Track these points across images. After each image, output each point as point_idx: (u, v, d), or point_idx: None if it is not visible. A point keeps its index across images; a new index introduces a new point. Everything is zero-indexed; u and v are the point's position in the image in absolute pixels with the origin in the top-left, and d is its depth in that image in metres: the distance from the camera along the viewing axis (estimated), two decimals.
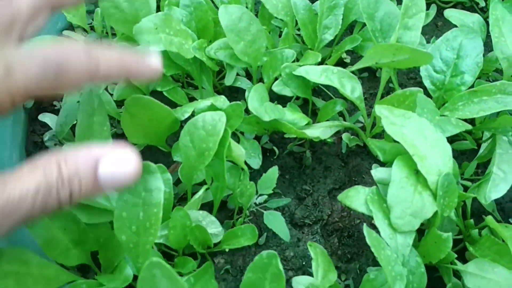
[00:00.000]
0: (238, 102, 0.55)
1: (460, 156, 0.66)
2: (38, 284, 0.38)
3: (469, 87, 0.59)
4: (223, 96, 0.56)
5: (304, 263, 0.58)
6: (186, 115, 0.52)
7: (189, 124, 0.48)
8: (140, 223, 0.40)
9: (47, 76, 0.33)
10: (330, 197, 0.64)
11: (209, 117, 0.48)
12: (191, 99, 0.66)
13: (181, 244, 0.47)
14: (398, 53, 0.52)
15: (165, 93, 0.58)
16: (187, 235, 0.46)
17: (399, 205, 0.46)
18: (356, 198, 0.49)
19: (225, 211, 0.60)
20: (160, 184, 0.39)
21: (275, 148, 0.66)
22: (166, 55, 0.56)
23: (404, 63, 0.54)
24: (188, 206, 0.48)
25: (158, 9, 0.61)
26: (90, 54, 0.35)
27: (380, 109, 0.51)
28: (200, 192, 0.48)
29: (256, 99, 0.51)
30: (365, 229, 0.44)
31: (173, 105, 0.61)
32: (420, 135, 0.48)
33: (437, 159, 0.47)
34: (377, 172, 0.50)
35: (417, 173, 0.48)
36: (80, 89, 0.44)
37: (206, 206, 0.57)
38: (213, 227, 0.49)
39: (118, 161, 0.32)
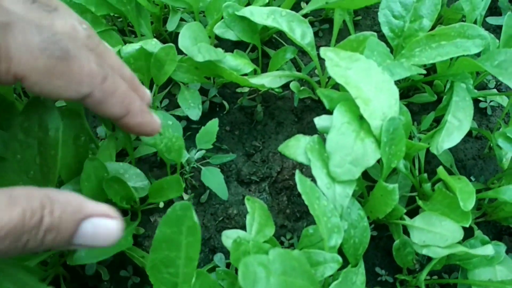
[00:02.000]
0: (171, 44, 0.50)
1: (421, 111, 0.62)
2: None
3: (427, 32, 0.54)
4: (155, 39, 0.50)
5: None
6: None
7: None
8: (37, 168, 0.35)
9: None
10: (281, 154, 0.59)
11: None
12: None
13: (98, 199, 0.42)
14: None
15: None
16: (103, 188, 0.42)
17: (338, 152, 0.41)
18: (296, 147, 0.45)
19: (165, 169, 0.56)
20: (57, 122, 0.35)
21: (224, 102, 0.62)
22: None
23: (354, 2, 0.49)
24: (102, 157, 0.43)
25: None
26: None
27: (325, 52, 0.46)
28: (106, 140, 0.43)
29: (188, 37, 0.46)
30: (297, 176, 0.40)
31: None
32: (366, 77, 0.44)
33: (382, 103, 0.43)
34: (320, 120, 0.46)
35: (361, 119, 0.43)
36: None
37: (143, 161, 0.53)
38: (138, 180, 0.45)
39: (102, 226, 0.30)
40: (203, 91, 0.60)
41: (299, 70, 0.64)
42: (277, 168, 0.58)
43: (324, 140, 0.46)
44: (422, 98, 0.59)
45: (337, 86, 0.61)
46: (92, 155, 0.42)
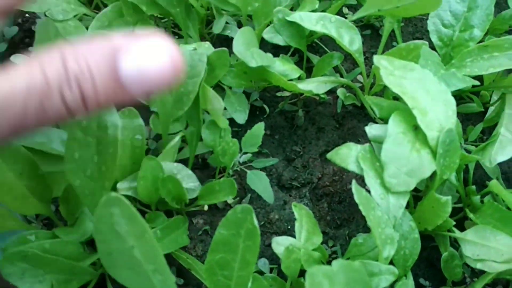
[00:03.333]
0: (224, 48, 0.50)
1: (466, 121, 0.61)
2: None
3: (478, 43, 0.53)
4: (207, 42, 0.50)
5: (289, 227, 0.54)
6: None
7: None
8: (94, 167, 0.35)
9: None
10: (322, 160, 0.59)
11: (187, 56, 0.43)
12: None
13: (152, 198, 0.43)
14: None
15: None
16: (158, 188, 0.42)
17: (393, 162, 0.41)
18: (347, 156, 0.45)
19: (207, 171, 0.56)
20: (116, 120, 0.35)
21: (265, 106, 0.62)
22: None
23: (409, 10, 0.48)
24: (162, 157, 0.43)
25: None
26: None
27: (379, 60, 0.46)
28: (176, 140, 0.44)
29: (242, 43, 0.46)
30: (354, 186, 0.39)
31: None
32: (422, 87, 0.43)
33: (439, 114, 0.42)
34: (371, 129, 0.46)
35: (416, 129, 0.43)
36: None
37: (185, 163, 0.53)
38: (189, 181, 0.45)
39: (146, 53, 0.23)
40: (244, 95, 0.60)
41: (341, 75, 0.63)
42: (318, 174, 0.58)
43: (374, 149, 0.46)
44: (468, 108, 0.58)
45: (381, 93, 0.61)
46: (150, 155, 0.42)
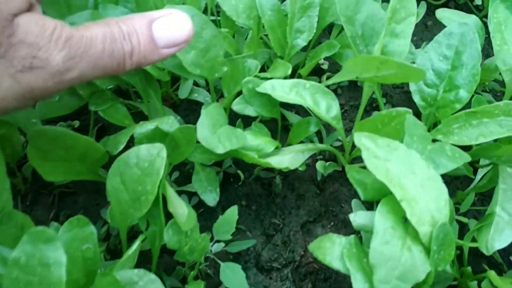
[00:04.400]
0: (189, 125, 0.44)
1: (453, 182, 0.57)
2: None
3: (465, 104, 0.50)
4: (171, 116, 0.45)
5: None
6: (121, 147, 0.42)
7: (119, 161, 0.38)
8: None
9: None
10: (303, 232, 0.54)
11: (144, 151, 0.38)
12: (137, 114, 0.56)
13: None
14: (383, 67, 0.42)
15: (100, 113, 0.47)
16: None
17: (383, 265, 0.36)
18: (331, 250, 0.40)
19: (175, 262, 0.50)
20: (60, 256, 0.30)
21: (240, 172, 0.57)
22: None
23: (389, 79, 0.44)
24: (120, 265, 0.38)
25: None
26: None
27: (360, 138, 0.41)
28: (135, 246, 0.38)
29: (207, 126, 0.41)
30: None
31: (113, 127, 0.51)
32: (409, 172, 0.39)
33: (430, 204, 0.38)
34: (356, 217, 0.41)
35: (405, 220, 0.38)
36: None
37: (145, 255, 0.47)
38: (153, 287, 0.39)
39: (171, 21, 0.35)
40: (215, 163, 0.54)
41: (320, 137, 0.59)
42: (300, 250, 0.53)
43: (361, 240, 0.41)
44: (457, 171, 0.54)
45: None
46: (104, 269, 0.36)
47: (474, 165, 0.56)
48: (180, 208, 0.37)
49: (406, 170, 0.39)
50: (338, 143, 0.59)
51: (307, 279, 0.51)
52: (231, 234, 0.46)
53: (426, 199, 0.38)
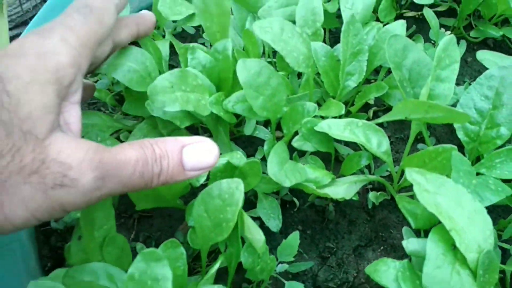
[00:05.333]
0: (256, 159, 0.51)
1: (496, 210, 0.61)
2: None
3: (506, 140, 0.54)
4: (239, 152, 0.52)
5: None
6: (202, 181, 0.49)
7: (204, 193, 0.45)
8: None
9: (90, 17, 0.40)
10: (356, 255, 0.59)
11: (225, 185, 0.44)
12: None
13: None
14: (431, 110, 0.48)
15: None
16: None
17: (436, 287, 0.41)
18: (386, 272, 0.45)
19: (243, 272, 0.56)
20: (167, 272, 0.36)
21: (295, 199, 0.63)
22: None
23: (437, 120, 0.49)
24: (203, 283, 0.44)
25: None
26: None
27: (411, 174, 0.46)
28: (217, 266, 0.45)
29: (275, 163, 0.48)
30: None
31: None
32: (457, 205, 0.44)
33: (477, 234, 0.43)
34: (409, 244, 0.46)
35: (454, 248, 0.43)
36: None
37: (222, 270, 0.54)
38: None
39: (200, 149, 0.39)
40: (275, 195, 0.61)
41: (369, 168, 0.64)
42: (353, 272, 0.58)
43: (412, 265, 0.46)
44: (500, 201, 0.58)
45: (411, 187, 0.61)
46: (189, 284, 0.43)
47: None
48: (258, 234, 0.43)
49: (454, 203, 0.44)
50: (386, 173, 0.65)
51: None
52: (293, 257, 0.52)
53: (473, 230, 0.43)
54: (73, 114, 0.38)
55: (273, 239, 0.59)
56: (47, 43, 0.35)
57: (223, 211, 0.44)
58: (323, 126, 0.53)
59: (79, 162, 0.33)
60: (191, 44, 0.59)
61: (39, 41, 0.35)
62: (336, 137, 0.53)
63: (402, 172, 0.61)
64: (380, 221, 0.62)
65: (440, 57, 0.52)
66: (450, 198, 0.44)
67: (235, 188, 0.44)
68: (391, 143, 0.69)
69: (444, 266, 0.42)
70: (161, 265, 0.37)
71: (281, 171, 0.47)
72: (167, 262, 0.37)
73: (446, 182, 0.46)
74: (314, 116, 0.55)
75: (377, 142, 0.54)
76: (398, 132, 0.71)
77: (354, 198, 0.56)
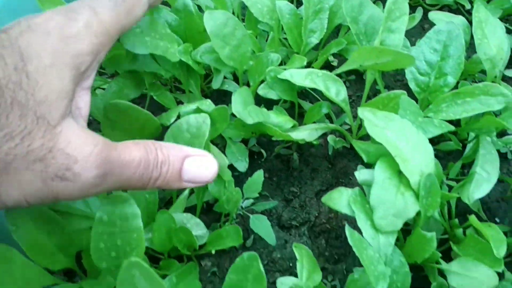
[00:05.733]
0: (224, 105, 0.55)
1: (446, 157, 0.67)
2: (17, 284, 0.38)
3: (452, 88, 0.59)
4: (208, 100, 0.56)
5: (291, 264, 0.58)
6: (172, 120, 0.52)
7: (173, 128, 0.49)
8: (119, 249, 0.40)
9: (120, 7, 0.38)
10: (318, 199, 0.64)
11: (193, 119, 0.48)
12: (179, 103, 0.67)
13: (166, 246, 0.47)
14: (381, 55, 0.52)
15: (155, 97, 0.59)
16: (172, 237, 0.47)
17: (381, 206, 0.46)
18: (339, 199, 0.49)
19: (212, 214, 0.60)
20: (135, 210, 0.40)
21: (262, 151, 0.67)
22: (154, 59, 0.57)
23: (387, 65, 0.54)
24: (173, 209, 0.48)
25: None
26: None
27: (363, 112, 0.51)
28: (185, 193, 0.49)
29: (239, 103, 0.52)
30: (347, 229, 0.44)
31: (162, 108, 0.62)
32: (403, 137, 0.49)
33: (420, 160, 0.48)
34: (360, 174, 0.51)
35: (399, 173, 0.48)
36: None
37: (192, 210, 0.57)
38: (197, 229, 0.50)
39: (201, 163, 0.39)
40: (242, 141, 0.65)
41: (330, 120, 0.69)
42: (315, 213, 0.62)
43: (364, 192, 0.51)
44: (448, 146, 0.64)
45: (367, 135, 0.66)
46: (163, 209, 0.47)
47: (463, 142, 0.65)
48: (222, 160, 0.47)
49: (400, 135, 0.49)
50: (346, 127, 0.69)
51: (321, 236, 0.61)
52: (257, 193, 0.56)
53: (416, 156, 0.48)
54: (84, 99, 0.38)
55: (242, 184, 0.63)
56: (72, 27, 0.34)
57: (191, 143, 0.48)
58: (286, 74, 0.57)
59: (85, 157, 0.32)
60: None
61: (64, 22, 0.34)
62: (298, 84, 0.57)
63: (360, 124, 0.66)
64: (341, 169, 0.67)
65: (390, 10, 0.57)
66: (396, 131, 0.49)
67: (202, 122, 0.48)
68: (352, 101, 0.75)
69: (389, 188, 0.47)
70: (128, 205, 0.40)
71: (245, 110, 0.51)
72: (134, 201, 0.40)
73: (394, 117, 0.51)
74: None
75: (336, 91, 0.59)
76: (359, 91, 0.76)
77: (315, 142, 0.60)
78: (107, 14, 0.37)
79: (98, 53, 0.37)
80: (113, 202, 0.40)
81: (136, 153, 0.36)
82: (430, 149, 0.49)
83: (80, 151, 0.32)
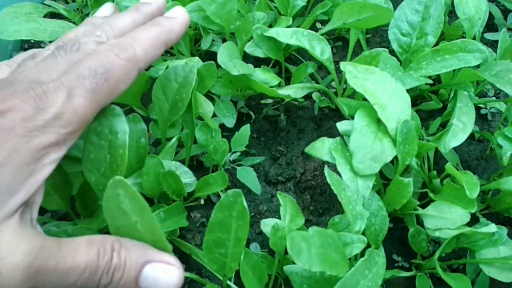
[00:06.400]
0: (212, 62, 0.57)
1: (428, 117, 0.69)
2: None
3: (432, 47, 0.61)
4: (197, 57, 0.58)
5: (277, 216, 0.60)
6: (160, 72, 0.54)
7: (161, 77, 0.50)
8: (107, 165, 0.42)
9: (101, 87, 0.35)
10: (303, 157, 0.66)
11: (180, 68, 0.50)
12: None
13: (155, 191, 0.49)
14: (362, 11, 0.54)
15: None
16: (160, 182, 0.49)
17: (360, 150, 0.48)
18: (321, 148, 0.52)
19: (201, 171, 0.62)
20: (125, 126, 0.41)
21: (251, 112, 0.69)
22: None
23: (369, 22, 0.56)
24: (162, 155, 0.50)
25: None
26: (127, 50, 0.37)
27: (344, 65, 0.53)
28: (173, 140, 0.51)
29: (225, 55, 0.54)
30: (326, 171, 0.46)
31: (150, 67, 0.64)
32: (381, 87, 0.51)
33: (397, 108, 0.50)
34: (342, 125, 0.53)
35: (378, 122, 0.50)
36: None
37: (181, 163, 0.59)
38: (186, 177, 0.52)
39: (163, 270, 0.34)
40: (231, 103, 0.67)
41: (317, 82, 0.71)
42: (300, 170, 0.65)
43: (345, 142, 0.53)
44: (429, 105, 0.66)
45: (352, 96, 0.68)
46: (151, 154, 0.49)
47: (444, 103, 0.68)
48: (208, 107, 0.49)
49: (379, 85, 0.51)
50: (332, 90, 0.71)
51: (306, 192, 0.63)
52: (244, 146, 0.58)
53: (394, 104, 0.50)
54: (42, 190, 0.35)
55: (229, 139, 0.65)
56: (39, 119, 0.32)
57: (179, 92, 0.50)
58: (272, 32, 0.59)
59: (9, 271, 0.29)
60: None
61: (32, 114, 0.32)
62: (284, 42, 0.59)
63: (345, 87, 0.68)
64: (327, 130, 0.69)
65: None
66: (376, 82, 0.51)
67: (189, 71, 0.50)
68: (336, 63, 0.76)
69: (367, 134, 0.49)
70: (119, 120, 0.42)
71: (230, 62, 0.53)
72: (125, 119, 0.42)
73: (374, 70, 0.53)
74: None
75: (320, 50, 0.61)
76: (345, 58, 0.77)
77: (300, 100, 0.62)
78: (84, 98, 0.34)
79: (67, 141, 0.34)
80: (106, 114, 0.40)
81: (82, 258, 0.32)
82: (406, 97, 0.51)
83: (7, 262, 0.29)
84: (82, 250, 0.32)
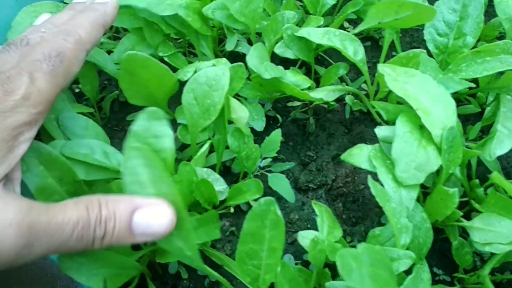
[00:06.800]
0: (240, 63, 0.54)
1: (465, 121, 0.66)
2: None
3: (471, 48, 0.58)
4: (224, 58, 0.55)
5: (309, 225, 0.58)
6: (189, 75, 0.52)
7: (192, 81, 0.48)
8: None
9: (58, 69, 0.38)
10: (334, 163, 0.63)
11: (211, 71, 0.48)
12: None
13: (187, 200, 0.47)
14: (400, 10, 0.51)
15: (166, 59, 0.58)
16: (193, 191, 0.46)
17: (403, 159, 0.45)
18: (360, 155, 0.49)
19: (230, 176, 0.60)
20: (167, 130, 0.39)
21: (278, 116, 0.66)
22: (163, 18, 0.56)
23: (407, 21, 0.53)
24: (194, 162, 0.48)
25: None
26: (72, 34, 0.41)
27: (383, 67, 0.50)
28: (206, 146, 0.48)
29: (255, 57, 0.51)
30: (370, 181, 0.43)
31: (174, 70, 0.61)
32: (423, 90, 0.48)
33: (441, 113, 0.47)
34: (380, 131, 0.50)
35: (421, 128, 0.47)
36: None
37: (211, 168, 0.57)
38: (218, 184, 0.49)
39: (153, 213, 0.35)
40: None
41: (346, 84, 0.68)
42: (332, 176, 0.62)
43: (383, 148, 0.50)
44: (467, 109, 0.63)
45: (385, 99, 0.65)
46: (184, 161, 0.46)
47: (482, 106, 0.64)
48: (242, 112, 0.47)
49: (421, 89, 0.49)
50: (363, 92, 0.69)
51: (338, 199, 0.60)
52: (275, 152, 0.56)
53: (437, 109, 0.47)
54: (21, 152, 0.37)
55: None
56: (9, 100, 0.35)
57: (210, 96, 0.47)
58: (303, 32, 0.56)
59: (5, 225, 0.30)
60: None
61: (1, 96, 0.35)
62: (316, 42, 0.56)
63: (377, 89, 0.65)
64: (358, 134, 0.66)
65: None
66: (417, 85, 0.49)
67: (222, 74, 0.47)
68: (368, 66, 0.73)
69: (411, 142, 0.46)
70: (161, 124, 0.39)
71: (261, 65, 0.51)
72: (167, 122, 0.40)
73: (414, 73, 0.50)
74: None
75: (353, 50, 0.58)
76: (375, 58, 0.75)
77: (332, 103, 0.59)
78: (45, 80, 0.37)
79: (37, 121, 0.37)
80: (149, 118, 0.39)
81: (72, 213, 0.33)
82: (451, 102, 0.48)
83: (2, 222, 0.30)
84: (70, 208, 0.33)
